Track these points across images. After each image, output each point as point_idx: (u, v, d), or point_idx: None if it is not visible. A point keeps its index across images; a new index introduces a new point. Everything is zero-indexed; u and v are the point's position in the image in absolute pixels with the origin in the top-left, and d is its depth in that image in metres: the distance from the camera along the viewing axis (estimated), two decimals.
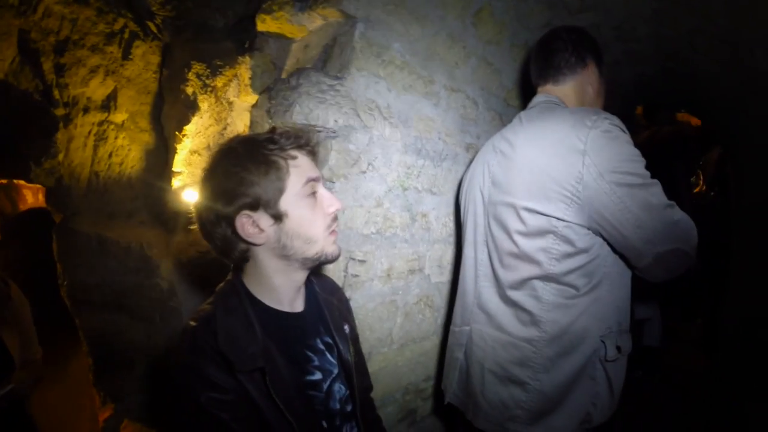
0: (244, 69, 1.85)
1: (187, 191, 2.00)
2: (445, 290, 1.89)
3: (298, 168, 1.01)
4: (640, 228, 1.23)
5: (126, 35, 2.19)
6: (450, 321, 1.68)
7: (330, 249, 1.05)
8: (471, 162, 1.67)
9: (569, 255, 1.30)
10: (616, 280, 1.36)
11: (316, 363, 1.08)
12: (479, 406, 1.43)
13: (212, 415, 0.90)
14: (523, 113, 1.51)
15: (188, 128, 1.98)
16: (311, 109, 1.39)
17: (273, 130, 1.04)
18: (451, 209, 1.91)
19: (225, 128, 1.96)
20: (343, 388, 1.12)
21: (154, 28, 2.21)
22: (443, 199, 1.88)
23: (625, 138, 1.28)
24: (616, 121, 1.28)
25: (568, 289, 1.31)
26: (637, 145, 1.30)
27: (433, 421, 1.96)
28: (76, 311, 2.35)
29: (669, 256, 1.26)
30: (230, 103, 1.94)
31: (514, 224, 1.38)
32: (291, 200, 0.99)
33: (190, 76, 1.96)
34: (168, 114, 2.12)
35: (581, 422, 1.32)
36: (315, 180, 1.03)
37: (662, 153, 3.80)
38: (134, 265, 2.16)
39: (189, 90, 1.97)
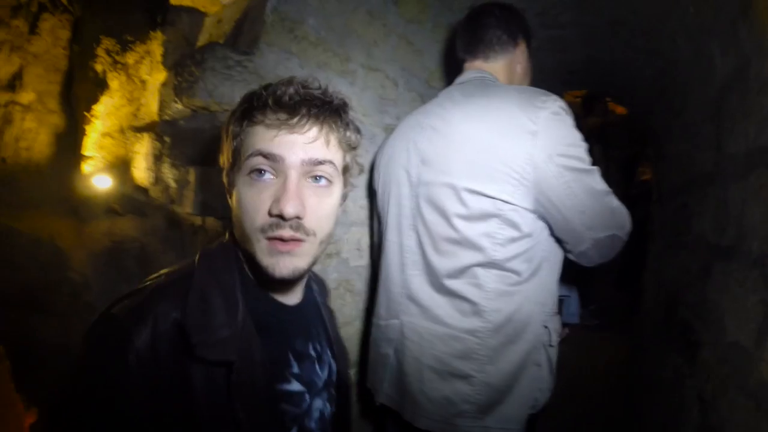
0: (156, 45, 1.76)
1: (98, 177, 1.90)
2: (365, 274, 1.85)
3: (253, 134, 0.77)
4: (583, 213, 1.23)
5: (33, 8, 2.05)
6: (371, 310, 1.59)
7: (266, 261, 0.76)
8: (385, 141, 1.58)
9: (513, 240, 1.25)
10: (553, 264, 1.35)
11: (296, 371, 0.84)
12: (419, 404, 1.33)
13: (106, 391, 0.67)
14: (454, 88, 1.45)
15: (97, 108, 1.88)
16: (215, 86, 1.32)
17: (291, 79, 0.79)
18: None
19: (138, 108, 1.87)
20: (328, 406, 0.92)
21: (64, 0, 2.09)
22: (360, 180, 1.83)
23: (571, 121, 1.26)
24: (563, 103, 1.25)
25: (511, 275, 1.26)
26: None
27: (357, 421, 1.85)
28: None
29: (606, 242, 1.29)
30: (143, 82, 1.85)
31: (453, 207, 1.28)
32: (237, 173, 0.79)
33: (100, 51, 1.86)
34: (77, 93, 2.01)
35: (529, 408, 1.31)
36: (266, 156, 0.75)
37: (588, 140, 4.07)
38: (45, 259, 2.04)
39: (98, 67, 1.87)
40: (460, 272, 1.30)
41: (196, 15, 1.67)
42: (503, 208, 1.23)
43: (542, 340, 1.32)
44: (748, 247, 1.22)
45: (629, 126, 4.19)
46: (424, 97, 2.13)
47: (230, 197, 0.82)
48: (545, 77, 3.01)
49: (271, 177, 0.75)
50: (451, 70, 2.35)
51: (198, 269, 0.78)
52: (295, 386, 0.84)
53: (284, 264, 0.76)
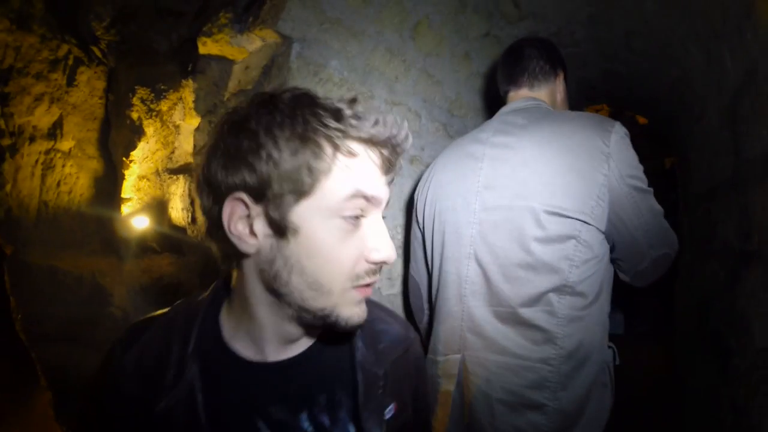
0: (188, 92, 1.89)
1: (137, 218, 2.02)
2: (397, 302, 1.92)
3: (349, 169, 0.63)
4: (647, 232, 1.27)
5: (70, 61, 2.21)
6: None
7: (348, 312, 0.66)
8: (429, 174, 1.56)
9: (586, 261, 1.25)
10: (610, 286, 1.36)
11: None
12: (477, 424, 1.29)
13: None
14: (509, 116, 1.46)
15: (135, 154, 2.01)
16: None
17: (354, 99, 0.66)
18: (398, 222, 1.93)
19: (173, 152, 2.00)
20: None
21: (98, 53, 2.23)
22: (389, 213, 1.91)
23: (631, 144, 1.31)
24: (625, 128, 1.31)
25: (580, 299, 1.25)
26: None
27: None
28: (31, 345, 2.33)
29: (661, 260, 1.32)
30: (177, 127, 1.97)
31: (530, 230, 1.26)
32: (314, 212, 0.62)
33: (135, 101, 1.99)
34: (115, 140, 2.15)
35: (599, 428, 1.30)
36: (368, 199, 0.64)
37: None
38: (87, 295, 2.16)
39: (134, 115, 2.00)
40: (535, 300, 1.27)
41: (224, 63, 1.79)
42: (581, 230, 1.24)
43: (607, 360, 1.33)
44: None
45: (650, 137, 4.20)
46: (447, 126, 2.21)
47: (297, 246, 0.63)
48: (568, 94, 3.06)
49: (362, 218, 0.65)
50: (470, 97, 2.43)
51: (163, 315, 0.77)
52: None
53: (361, 313, 0.68)
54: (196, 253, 1.78)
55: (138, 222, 1.99)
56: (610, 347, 1.34)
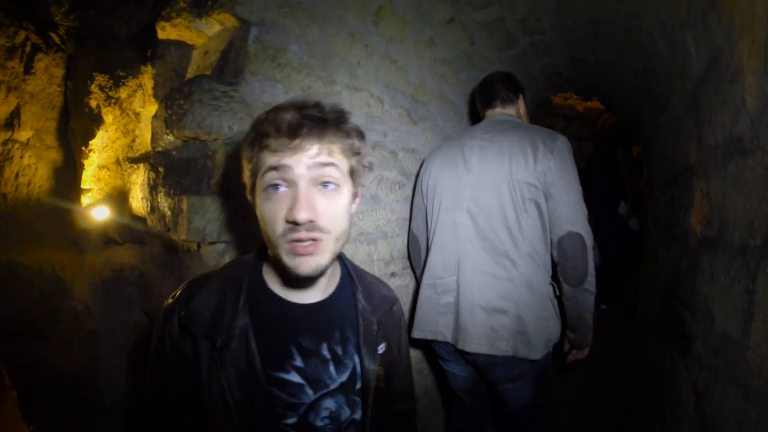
0: (147, 78, 1.81)
1: (98, 208, 1.94)
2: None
3: (266, 150, 0.87)
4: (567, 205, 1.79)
5: (28, 48, 2.10)
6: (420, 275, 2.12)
7: (288, 261, 0.87)
8: (432, 156, 2.12)
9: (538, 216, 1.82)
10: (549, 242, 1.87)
11: (298, 364, 0.94)
12: (471, 335, 1.79)
13: (157, 365, 0.95)
14: (490, 124, 2.05)
15: (94, 143, 1.92)
16: (204, 117, 1.36)
17: (289, 104, 0.91)
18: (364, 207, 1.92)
19: (133, 140, 1.92)
20: (346, 410, 0.98)
21: (57, 40, 2.13)
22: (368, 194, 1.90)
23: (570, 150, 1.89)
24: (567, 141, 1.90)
25: (534, 246, 1.83)
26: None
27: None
28: None
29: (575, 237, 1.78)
30: (137, 114, 1.89)
31: (506, 192, 1.83)
32: (256, 189, 0.91)
33: (93, 88, 1.90)
34: (74, 129, 2.05)
35: (545, 342, 1.80)
36: (275, 168, 0.85)
37: (606, 139, 4.00)
38: (48, 290, 2.08)
39: (93, 103, 1.91)
40: (507, 239, 1.81)
41: (184, 48, 1.72)
42: (536, 195, 1.79)
43: (548, 293, 1.84)
44: (731, 237, 1.22)
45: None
46: (410, 112, 2.17)
47: (257, 215, 0.91)
48: (534, 81, 3.05)
49: (285, 189, 0.86)
50: (434, 83, 2.40)
51: (221, 269, 1.01)
52: (294, 377, 0.93)
53: (306, 263, 0.86)
54: (157, 243, 1.71)
55: (98, 213, 1.91)
56: (551, 284, 1.86)
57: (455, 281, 1.87)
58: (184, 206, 1.38)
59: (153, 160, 1.61)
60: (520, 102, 2.14)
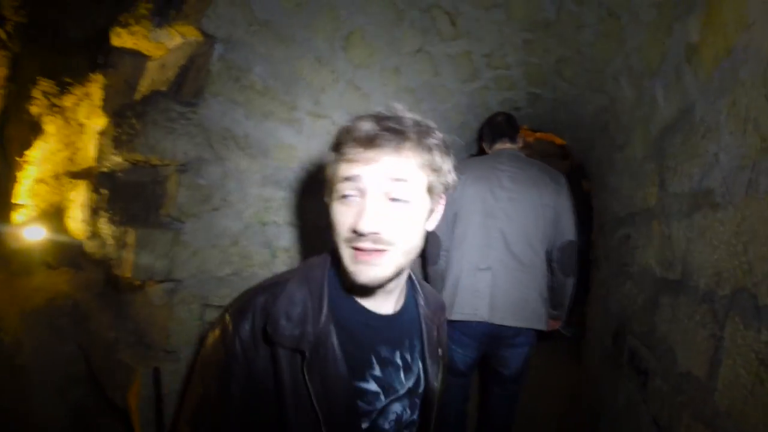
0: (96, 88, 1.61)
1: (31, 227, 1.71)
2: None
3: (341, 161, 0.85)
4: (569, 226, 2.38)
5: None
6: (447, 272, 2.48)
7: (349, 265, 0.85)
8: (467, 174, 2.39)
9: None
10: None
11: (377, 373, 0.93)
12: (505, 311, 2.22)
13: (224, 376, 0.86)
14: (503, 155, 2.45)
15: (32, 153, 1.70)
16: (157, 140, 1.20)
17: (369, 115, 0.88)
18: None
19: (75, 153, 1.71)
20: (408, 412, 0.99)
21: (3, 35, 1.89)
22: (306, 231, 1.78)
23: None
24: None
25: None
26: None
27: None
28: None
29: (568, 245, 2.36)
30: (81, 126, 1.68)
31: (533, 213, 2.31)
32: (331, 195, 0.88)
33: (36, 93, 1.67)
34: (10, 137, 1.81)
35: (543, 316, 2.29)
36: (348, 178, 0.84)
37: (576, 173, 4.15)
38: None
39: (34, 110, 1.69)
40: (529, 248, 2.29)
41: (139, 59, 1.54)
42: (551, 214, 2.33)
43: (545, 285, 2.34)
44: (696, 283, 1.21)
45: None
46: None
47: (329, 220, 0.88)
48: (491, 113, 3.03)
49: (356, 198, 0.84)
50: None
51: (296, 274, 0.94)
52: (372, 386, 0.92)
53: (366, 272, 0.84)
54: (95, 270, 1.51)
55: (32, 232, 1.68)
56: (545, 277, 2.35)
57: (490, 273, 2.27)
58: (130, 239, 1.20)
59: (97, 180, 1.42)
60: (519, 139, 2.59)
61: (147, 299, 1.33)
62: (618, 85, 1.80)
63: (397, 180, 0.84)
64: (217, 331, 0.89)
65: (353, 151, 0.83)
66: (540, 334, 2.43)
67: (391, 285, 0.94)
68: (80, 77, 1.64)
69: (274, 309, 0.86)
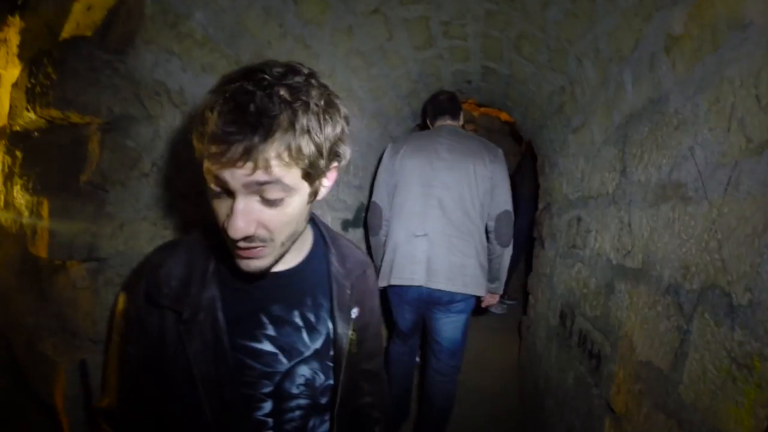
0: (14, 32, 1.33)
1: None
2: None
3: (209, 151, 0.70)
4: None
5: None
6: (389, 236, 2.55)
7: (234, 257, 0.79)
8: (400, 145, 2.53)
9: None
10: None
11: (271, 333, 0.87)
12: (441, 275, 2.28)
13: (124, 336, 0.85)
14: (443, 130, 2.55)
15: None
16: (77, 93, 0.97)
17: (230, 95, 0.69)
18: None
19: None
20: (321, 376, 0.93)
21: None
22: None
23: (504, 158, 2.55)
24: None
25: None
26: None
27: None
28: None
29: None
30: None
31: (467, 178, 2.37)
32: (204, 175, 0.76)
33: None
34: None
35: (481, 284, 2.37)
36: (216, 177, 0.72)
37: (531, 153, 4.19)
38: None
39: None
40: (463, 212, 2.36)
41: (64, 0, 1.27)
42: (487, 184, 2.40)
43: (484, 253, 2.42)
44: (659, 273, 1.19)
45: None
46: None
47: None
48: (442, 85, 2.91)
49: (223, 192, 0.74)
50: (344, 74, 2.14)
51: (188, 236, 0.91)
52: (266, 346, 0.87)
53: (248, 265, 0.79)
54: (13, 245, 1.27)
55: None
56: (485, 247, 2.43)
57: (426, 239, 2.32)
58: (44, 211, 0.98)
59: (9, 140, 1.17)
60: (461, 116, 2.71)
61: (69, 281, 1.12)
62: (581, 67, 1.72)
63: (266, 182, 0.71)
64: (120, 299, 0.88)
65: (209, 149, 0.70)
66: (476, 309, 2.49)
67: None
68: None
69: (161, 270, 0.83)
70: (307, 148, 0.72)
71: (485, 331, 4.06)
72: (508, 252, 2.46)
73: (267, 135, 0.67)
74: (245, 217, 0.72)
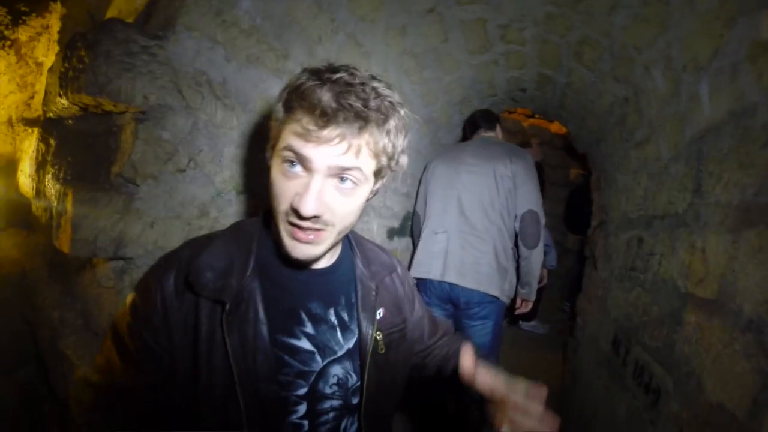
0: (55, 19, 1.31)
1: None
2: None
3: (287, 130, 0.75)
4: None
5: None
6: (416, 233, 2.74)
7: (284, 239, 0.78)
8: (436, 158, 2.65)
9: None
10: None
11: (309, 330, 0.86)
12: (457, 271, 2.29)
13: (133, 319, 0.79)
14: (479, 140, 2.63)
15: None
16: (110, 79, 0.91)
17: (332, 78, 0.73)
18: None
19: (32, 97, 1.40)
20: (353, 377, 0.91)
21: None
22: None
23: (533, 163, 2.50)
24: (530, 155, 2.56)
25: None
26: None
27: None
28: None
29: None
30: (39, 65, 1.38)
31: (490, 183, 2.37)
32: (274, 153, 0.78)
33: None
34: None
35: (504, 287, 2.31)
36: (296, 154, 0.73)
37: None
38: None
39: None
40: (485, 216, 2.35)
41: None
42: (508, 184, 2.37)
43: (510, 254, 2.38)
44: (738, 307, 1.02)
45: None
46: None
47: (268, 176, 0.80)
48: (495, 92, 2.76)
49: (301, 170, 0.75)
50: (397, 76, 2.05)
51: (226, 231, 0.89)
52: (305, 344, 0.85)
53: (301, 249, 0.78)
54: (46, 233, 1.22)
55: None
56: (512, 248, 2.40)
57: (445, 236, 2.38)
58: (69, 203, 0.91)
59: (42, 127, 1.12)
60: (498, 129, 2.75)
61: (95, 278, 1.06)
62: (648, 76, 1.55)
63: (349, 168, 0.75)
64: (144, 280, 0.83)
65: (305, 125, 0.72)
66: (513, 318, 2.59)
67: None
68: (37, 6, 1.33)
69: (199, 260, 0.80)
70: (389, 147, 0.79)
71: (524, 350, 3.85)
72: (537, 254, 2.36)
73: (366, 124, 0.73)
74: (319, 196, 0.73)
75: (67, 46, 1.02)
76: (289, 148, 0.73)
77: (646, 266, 1.63)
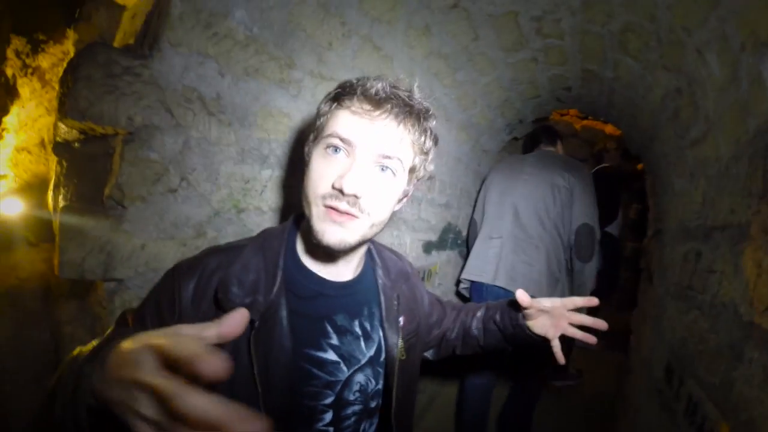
0: (71, 45, 1.32)
1: (8, 200, 1.46)
2: None
3: (338, 115, 0.79)
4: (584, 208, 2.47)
5: None
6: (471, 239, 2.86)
7: (317, 223, 0.78)
8: (494, 171, 2.74)
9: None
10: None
11: (335, 342, 0.87)
12: (508, 275, 2.30)
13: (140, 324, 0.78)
14: (539, 153, 2.66)
15: (8, 120, 1.43)
16: (92, 102, 0.87)
17: (381, 76, 0.81)
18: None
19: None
20: (372, 382, 0.93)
21: None
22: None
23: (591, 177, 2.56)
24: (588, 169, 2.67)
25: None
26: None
27: None
28: None
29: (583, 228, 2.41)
30: None
31: (545, 195, 2.40)
32: (315, 144, 0.82)
33: (9, 53, 1.40)
34: None
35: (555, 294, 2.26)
36: (342, 139, 0.77)
37: (606, 182, 3.69)
38: None
39: (8, 71, 1.42)
40: (538, 223, 2.38)
41: (114, 9, 1.23)
42: (565, 195, 2.38)
43: (563, 264, 2.40)
44: None
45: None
46: None
47: (305, 168, 0.82)
48: (538, 93, 2.56)
49: (344, 155, 0.78)
50: (427, 80, 1.91)
51: (252, 242, 0.87)
52: (331, 355, 0.86)
53: (333, 232, 0.77)
54: None
55: (9, 206, 1.43)
56: (566, 259, 2.42)
57: (501, 240, 2.41)
58: (56, 225, 0.89)
59: (53, 150, 1.12)
60: (559, 144, 2.79)
61: (97, 298, 1.03)
62: (702, 61, 1.32)
63: (390, 157, 0.79)
64: (162, 283, 0.82)
65: (359, 105, 0.77)
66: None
67: (350, 254, 0.89)
68: (55, 34, 1.35)
69: (227, 274, 0.78)
70: (426, 145, 0.85)
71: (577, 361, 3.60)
72: (590, 268, 2.35)
73: (410, 115, 0.80)
74: (362, 176, 0.76)
75: (64, 72, 1.00)
76: (335, 134, 0.77)
77: (705, 286, 1.39)
